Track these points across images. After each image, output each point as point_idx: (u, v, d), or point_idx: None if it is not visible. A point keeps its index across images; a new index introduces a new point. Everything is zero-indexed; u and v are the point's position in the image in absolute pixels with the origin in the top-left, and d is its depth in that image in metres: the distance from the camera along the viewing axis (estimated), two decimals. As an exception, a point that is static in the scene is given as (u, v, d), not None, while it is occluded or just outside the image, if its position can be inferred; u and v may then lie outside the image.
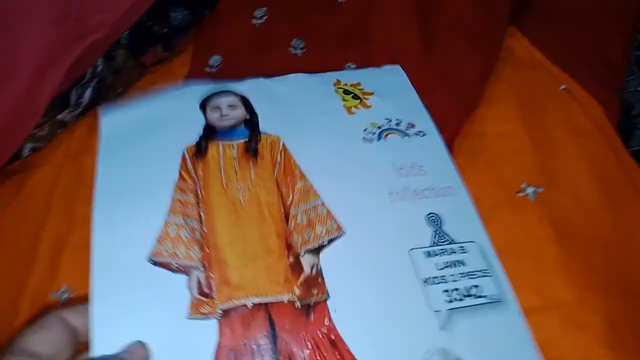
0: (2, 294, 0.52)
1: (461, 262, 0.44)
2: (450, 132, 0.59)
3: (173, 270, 0.41)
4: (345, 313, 0.40)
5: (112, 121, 0.51)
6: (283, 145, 0.50)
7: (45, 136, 0.65)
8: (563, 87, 0.64)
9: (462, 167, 0.56)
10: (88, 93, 0.66)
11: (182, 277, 0.42)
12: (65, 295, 0.52)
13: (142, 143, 0.49)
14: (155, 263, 0.42)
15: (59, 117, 0.65)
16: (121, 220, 0.44)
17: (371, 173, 0.49)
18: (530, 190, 0.55)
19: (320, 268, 0.42)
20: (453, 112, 0.61)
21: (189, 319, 0.39)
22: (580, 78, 0.65)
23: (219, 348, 0.38)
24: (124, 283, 0.40)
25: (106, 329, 0.37)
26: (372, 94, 0.56)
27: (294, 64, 0.73)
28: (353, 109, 0.55)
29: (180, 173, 0.47)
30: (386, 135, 0.53)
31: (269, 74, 0.58)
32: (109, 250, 0.42)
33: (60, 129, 0.66)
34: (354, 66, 0.67)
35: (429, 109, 0.55)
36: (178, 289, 0.41)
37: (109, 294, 0.39)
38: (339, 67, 0.66)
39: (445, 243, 0.45)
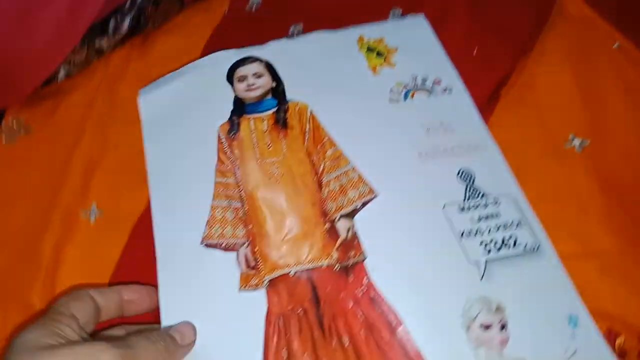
0: (34, 207, 0.55)
1: (495, 215, 0.45)
2: (499, 79, 0.58)
3: (224, 249, 0.45)
4: (383, 271, 0.42)
5: (150, 104, 0.54)
6: (311, 112, 0.51)
7: (81, 62, 0.64)
8: (616, 44, 0.61)
9: (509, 117, 0.55)
10: (126, 22, 0.65)
11: (231, 255, 0.45)
12: (95, 214, 0.54)
13: (179, 126, 0.52)
14: (207, 245, 0.45)
15: (96, 44, 0.64)
16: (175, 205, 0.47)
17: (399, 134, 0.50)
18: (577, 142, 0.53)
19: (356, 231, 0.44)
20: (502, 59, 0.59)
21: (240, 291, 0.43)
22: (634, 37, 0.61)
23: (268, 314, 0.41)
24: (183, 265, 0.44)
25: (171, 306, 0.42)
26: (395, 50, 0.56)
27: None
28: (378, 69, 0.55)
29: (218, 155, 0.50)
30: (412, 95, 0.52)
31: (308, 15, 0.57)
32: (167, 234, 0.46)
33: (96, 56, 0.65)
34: (399, 11, 0.65)
35: (477, 55, 0.54)
36: (229, 266, 0.44)
37: (171, 275, 0.43)
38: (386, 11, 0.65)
39: (479, 197, 0.46)
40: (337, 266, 0.43)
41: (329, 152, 0.48)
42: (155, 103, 0.54)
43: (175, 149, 0.51)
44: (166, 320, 0.41)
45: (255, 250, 0.44)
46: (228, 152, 0.50)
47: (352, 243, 0.44)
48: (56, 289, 0.50)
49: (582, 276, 0.41)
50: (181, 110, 0.53)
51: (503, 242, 0.43)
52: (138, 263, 0.49)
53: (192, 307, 0.41)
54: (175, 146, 0.51)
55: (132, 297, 0.42)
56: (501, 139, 0.49)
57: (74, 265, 0.51)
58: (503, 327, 0.40)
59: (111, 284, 0.49)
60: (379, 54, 0.56)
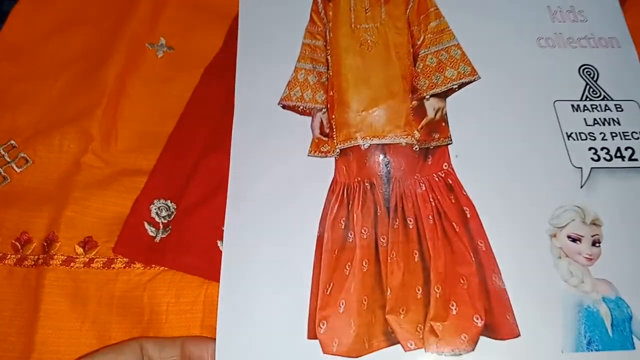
0: (97, 33, 0.53)
1: (615, 121, 0.38)
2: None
3: (300, 113, 0.43)
4: (468, 159, 0.39)
5: None
6: None
7: None
8: None
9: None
10: None
11: (306, 119, 0.43)
12: (163, 50, 0.53)
13: None
14: (284, 107, 0.43)
15: None
16: (259, 61, 0.46)
17: (519, 13, 0.43)
18: None
19: (446, 113, 0.40)
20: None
21: (310, 156, 0.41)
22: None
23: (333, 183, 0.39)
24: (257, 125, 0.43)
25: (241, 162, 0.41)
26: None
27: None
28: None
29: (310, 15, 0.47)
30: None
31: None
32: (248, 98, 0.44)
33: None
34: None
35: None
36: (302, 130, 0.42)
37: (245, 133, 0.42)
38: None
39: (599, 98, 0.39)
40: (416, 146, 0.39)
41: (432, 24, 0.43)
42: None
43: (268, 5, 0.48)
44: (234, 179, 0.40)
45: (332, 117, 0.42)
46: (322, 13, 0.46)
47: (439, 125, 0.40)
48: (117, 121, 0.50)
49: None
50: None
51: (617, 151, 0.37)
52: (210, 105, 0.48)
53: (261, 165, 0.41)
54: (270, 4, 0.48)
55: (196, 354, 0.34)
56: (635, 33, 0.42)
57: (139, 98, 0.51)
58: (594, 243, 0.35)
59: (180, 120, 0.48)
60: None
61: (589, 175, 0.37)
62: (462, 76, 0.41)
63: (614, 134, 0.38)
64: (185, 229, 0.42)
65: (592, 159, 0.37)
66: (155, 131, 0.48)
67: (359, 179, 0.39)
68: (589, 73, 0.41)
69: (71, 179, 0.46)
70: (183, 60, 0.52)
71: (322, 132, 0.42)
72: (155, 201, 0.44)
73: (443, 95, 0.41)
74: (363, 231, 0.37)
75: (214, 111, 0.47)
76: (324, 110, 0.43)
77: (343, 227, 0.38)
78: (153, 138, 0.48)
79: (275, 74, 0.45)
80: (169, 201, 0.44)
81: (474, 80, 0.41)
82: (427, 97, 0.41)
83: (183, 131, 0.47)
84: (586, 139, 0.38)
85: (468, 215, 0.36)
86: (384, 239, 0.37)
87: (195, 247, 0.41)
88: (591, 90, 0.40)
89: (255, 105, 0.44)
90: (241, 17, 0.48)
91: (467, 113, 0.40)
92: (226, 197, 0.40)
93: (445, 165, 0.38)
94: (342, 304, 0.35)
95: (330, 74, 0.44)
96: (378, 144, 0.40)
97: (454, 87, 0.41)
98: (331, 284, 0.35)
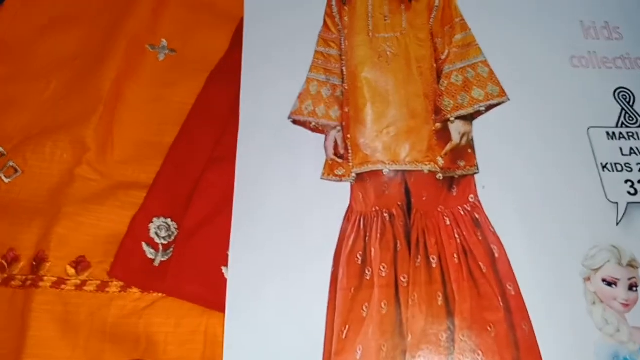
0: (94, 31, 0.50)
1: None
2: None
3: (311, 130, 0.40)
4: (497, 191, 0.36)
5: None
6: None
7: None
8: None
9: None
10: None
11: (319, 137, 0.40)
12: (164, 52, 0.50)
13: None
14: (294, 122, 0.41)
15: None
16: (267, 76, 0.43)
17: (551, 27, 0.41)
18: None
19: (472, 138, 0.38)
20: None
21: (323, 179, 0.38)
22: None
23: (349, 211, 0.37)
24: (265, 140, 0.40)
25: (244, 181, 0.39)
26: None
27: None
28: None
29: (324, 20, 0.44)
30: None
31: None
32: (254, 110, 0.42)
33: None
34: None
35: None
36: (315, 149, 0.40)
37: (251, 149, 0.40)
38: None
39: (635, 125, 0.37)
40: (440, 174, 0.37)
41: (457, 37, 0.41)
42: None
43: (277, 7, 0.45)
44: (239, 199, 0.38)
45: (348, 137, 0.39)
46: (337, 18, 0.43)
47: (464, 151, 0.37)
48: (114, 129, 0.46)
49: None
50: None
51: (657, 185, 0.35)
52: (214, 113, 0.45)
53: (269, 186, 0.38)
54: (278, 3, 0.45)
55: None
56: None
57: (138, 104, 0.48)
58: (631, 287, 0.33)
59: (183, 129, 0.45)
60: None
61: (626, 210, 0.35)
62: (490, 97, 0.38)
63: (653, 165, 0.36)
64: (187, 253, 0.40)
65: (628, 192, 0.35)
66: (155, 141, 0.46)
67: (377, 208, 0.37)
68: (624, 97, 0.38)
69: (64, 191, 0.43)
70: (186, 64, 0.49)
71: (336, 153, 0.39)
72: (154, 219, 0.41)
73: (469, 118, 0.38)
74: (382, 268, 0.35)
75: (219, 119, 0.44)
76: (338, 128, 0.40)
77: (360, 262, 0.35)
78: (153, 148, 0.45)
79: (285, 83, 0.43)
80: (169, 220, 0.41)
81: (503, 102, 0.38)
82: (452, 119, 0.38)
83: (185, 142, 0.45)
84: (622, 170, 0.36)
85: (496, 255, 0.34)
86: (404, 278, 0.34)
87: (198, 273, 0.39)
88: (627, 116, 0.38)
89: (262, 118, 0.41)
90: (246, 20, 0.45)
91: (495, 139, 0.37)
92: (231, 215, 0.38)
93: (472, 198, 0.36)
94: (360, 350, 0.33)
95: (346, 87, 0.41)
96: (399, 170, 0.37)
97: (481, 109, 0.38)
98: (347, 327, 0.33)
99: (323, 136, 0.41)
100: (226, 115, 0.44)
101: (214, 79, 0.48)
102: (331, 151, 0.40)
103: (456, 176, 0.37)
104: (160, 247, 0.41)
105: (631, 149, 0.37)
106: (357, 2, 0.44)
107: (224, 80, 0.47)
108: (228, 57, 0.48)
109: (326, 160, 0.39)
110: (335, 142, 0.40)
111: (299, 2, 0.45)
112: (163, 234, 0.41)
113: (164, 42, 0.50)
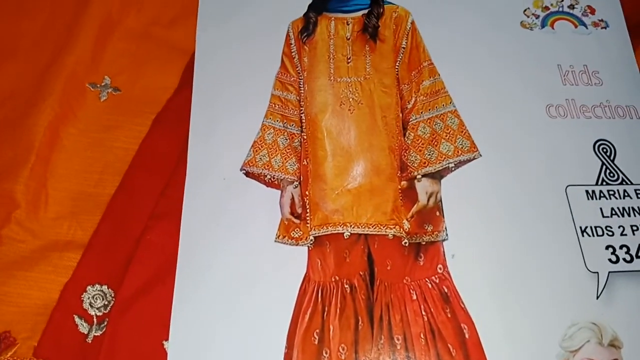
0: (28, 70, 0.46)
1: (636, 210, 0.34)
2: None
3: (266, 184, 0.38)
4: (467, 261, 0.34)
5: None
6: (412, 23, 0.40)
7: None
8: None
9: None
10: None
11: (274, 193, 0.37)
12: (107, 91, 0.46)
13: (242, 14, 0.44)
14: (247, 174, 0.38)
15: None
16: (219, 118, 0.40)
17: (527, 73, 0.39)
18: None
19: (441, 199, 0.35)
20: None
21: (277, 242, 0.35)
22: None
23: (305, 280, 0.34)
24: (214, 194, 0.37)
25: (190, 242, 0.36)
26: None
27: None
28: (513, -21, 0.42)
29: (282, 60, 0.41)
30: (553, 22, 0.41)
31: None
32: (203, 159, 0.39)
33: None
34: None
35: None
36: (269, 206, 0.37)
37: (198, 208, 0.37)
38: None
39: (617, 182, 0.35)
40: (406, 240, 0.34)
41: (425, 83, 0.38)
42: None
43: (231, 43, 0.42)
44: (183, 265, 0.35)
45: (306, 194, 0.37)
46: (295, 59, 0.41)
47: (432, 214, 0.35)
48: (48, 180, 0.43)
49: None
50: None
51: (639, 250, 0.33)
52: (159, 161, 0.42)
53: (217, 249, 0.35)
54: (232, 39, 0.42)
55: None
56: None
57: (75, 151, 0.44)
58: (614, 370, 0.31)
59: (123, 181, 0.42)
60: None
61: (607, 281, 0.32)
62: (459, 152, 0.36)
63: (634, 228, 0.34)
64: (124, 326, 0.36)
65: (610, 260, 0.33)
66: (93, 192, 0.43)
67: (337, 278, 0.34)
68: (605, 150, 0.36)
69: (-13, 256, 0.39)
70: (131, 105, 0.46)
71: (293, 212, 0.36)
72: (88, 288, 0.38)
73: (437, 176, 0.36)
74: (341, 349, 0.32)
75: (164, 169, 0.42)
76: (295, 183, 0.37)
77: (317, 342, 0.32)
78: (91, 201, 0.43)
79: (238, 128, 0.40)
80: (105, 287, 0.38)
81: (474, 158, 0.36)
82: (419, 176, 0.36)
83: (126, 195, 0.42)
84: (603, 235, 0.34)
85: (466, 336, 0.32)
86: (365, 361, 0.31)
87: (135, 351, 0.35)
88: (608, 171, 0.36)
89: (211, 168, 0.39)
90: (198, 54, 0.43)
91: (465, 200, 0.35)
92: (174, 281, 0.35)
93: (440, 268, 0.33)
94: None
95: (305, 137, 0.39)
96: (360, 234, 0.35)
97: (450, 165, 0.36)
98: (301, 422, 0.30)
99: (278, 192, 0.37)
100: (172, 164, 0.41)
101: (161, 121, 0.45)
102: (287, 210, 0.37)
103: (423, 242, 0.34)
104: (95, 319, 0.37)
105: (612, 209, 0.35)
106: (317, 41, 0.41)
107: (171, 122, 0.44)
108: (177, 97, 0.45)
109: (281, 220, 0.36)
110: (292, 199, 0.37)
111: (256, 35, 0.43)
112: (98, 303, 0.37)
113: (107, 79, 0.47)
